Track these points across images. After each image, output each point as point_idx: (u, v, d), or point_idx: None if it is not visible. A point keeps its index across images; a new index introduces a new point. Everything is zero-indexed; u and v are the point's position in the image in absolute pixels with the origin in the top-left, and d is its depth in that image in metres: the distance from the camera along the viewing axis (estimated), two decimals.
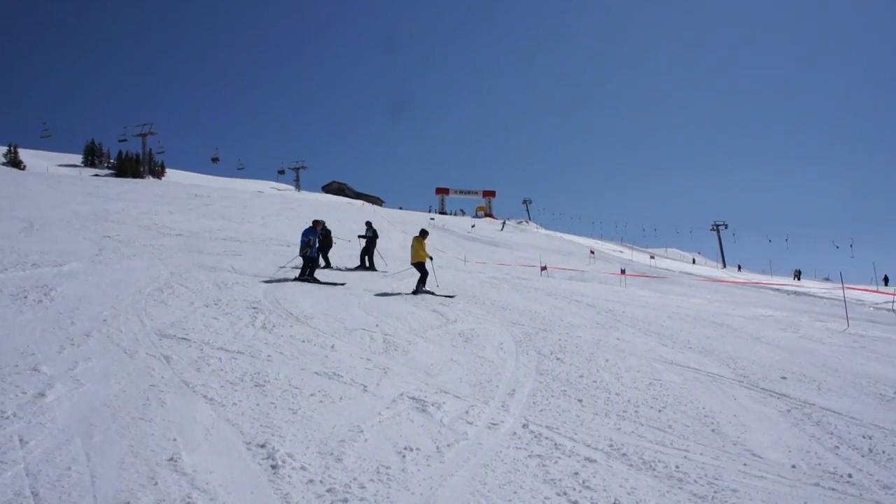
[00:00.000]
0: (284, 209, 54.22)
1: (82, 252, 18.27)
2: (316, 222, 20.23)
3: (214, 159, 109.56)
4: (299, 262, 19.27)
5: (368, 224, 25.61)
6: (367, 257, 24.27)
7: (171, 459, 5.41)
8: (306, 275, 18.01)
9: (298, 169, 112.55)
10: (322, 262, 22.02)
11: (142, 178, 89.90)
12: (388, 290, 17.60)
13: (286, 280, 17.16)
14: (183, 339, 9.65)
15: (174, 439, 5.87)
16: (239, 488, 5.03)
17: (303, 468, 5.51)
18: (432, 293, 17.92)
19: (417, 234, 19.26)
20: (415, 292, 17.72)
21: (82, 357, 8.38)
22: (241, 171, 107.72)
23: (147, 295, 12.79)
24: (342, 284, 18.11)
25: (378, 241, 25.47)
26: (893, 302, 29.87)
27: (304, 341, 10.35)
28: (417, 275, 18.68)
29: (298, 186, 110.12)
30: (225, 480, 5.13)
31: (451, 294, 18.17)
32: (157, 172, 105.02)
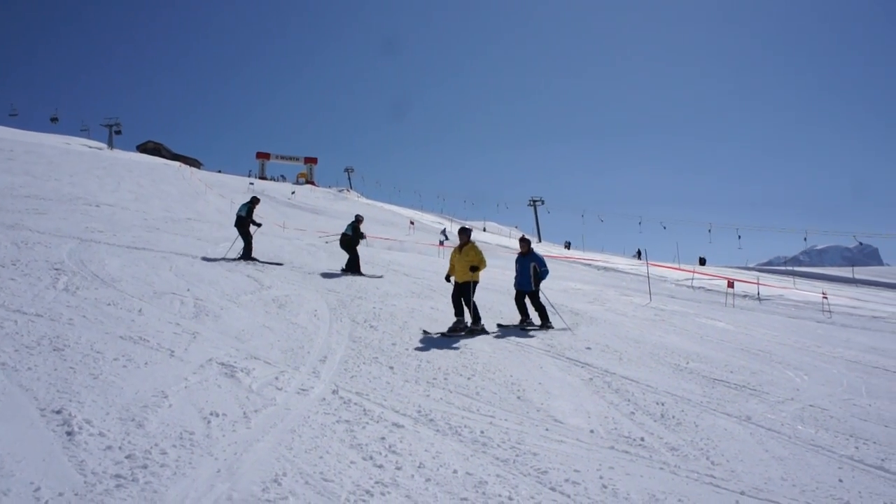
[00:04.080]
0: (95, 167, 51.55)
1: None
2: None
3: (53, 119, 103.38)
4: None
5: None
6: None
7: None
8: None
9: (112, 126, 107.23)
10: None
11: None
12: (205, 255, 17.08)
13: (95, 242, 16.31)
14: None
15: None
16: (30, 456, 4.77)
17: (101, 434, 5.29)
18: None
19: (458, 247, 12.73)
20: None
21: None
22: (13, 117, 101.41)
23: None
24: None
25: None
26: (692, 279, 31.84)
27: (109, 304, 9.92)
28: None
29: (111, 144, 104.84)
30: (14, 448, 4.85)
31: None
32: None
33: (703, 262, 55.51)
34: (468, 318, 12.05)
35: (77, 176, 41.00)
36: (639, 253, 65.35)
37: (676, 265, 42.37)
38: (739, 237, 58.57)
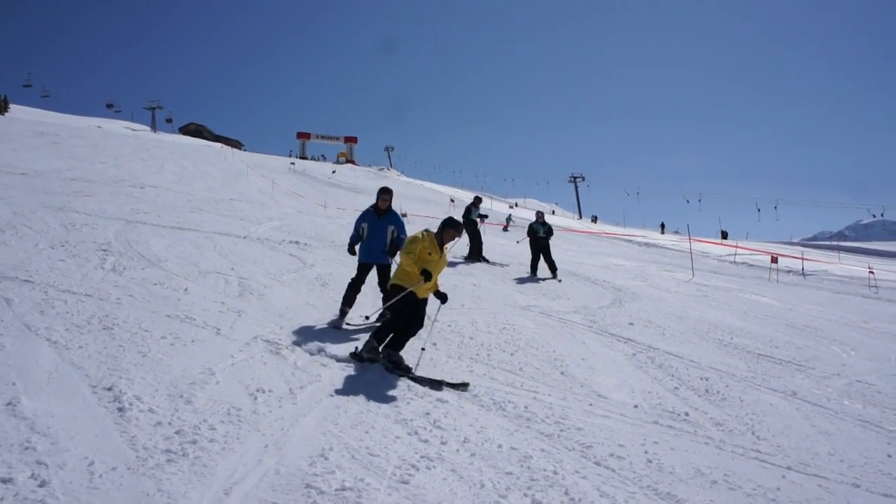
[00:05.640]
0: (139, 150, 52.23)
1: None
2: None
3: (109, 105, 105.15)
4: None
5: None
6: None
7: (10, 404, 5.15)
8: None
9: (154, 109, 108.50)
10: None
11: None
12: (244, 234, 17.20)
13: (140, 223, 16.49)
14: (26, 281, 9.17)
15: (13, 384, 5.59)
16: (83, 431, 4.86)
17: (151, 411, 5.38)
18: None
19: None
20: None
21: None
22: (46, 98, 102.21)
23: None
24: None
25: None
26: (735, 255, 31.50)
27: (155, 284, 10.04)
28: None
29: (154, 127, 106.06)
30: (68, 424, 4.94)
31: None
32: None
33: (724, 235, 54.95)
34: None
35: (121, 159, 41.62)
36: (662, 226, 65.62)
37: (719, 240, 41.95)
38: (776, 208, 57.94)
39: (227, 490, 4.29)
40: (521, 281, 15.43)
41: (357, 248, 10.02)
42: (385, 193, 10.02)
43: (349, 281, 9.91)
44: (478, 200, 20.76)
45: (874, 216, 54.94)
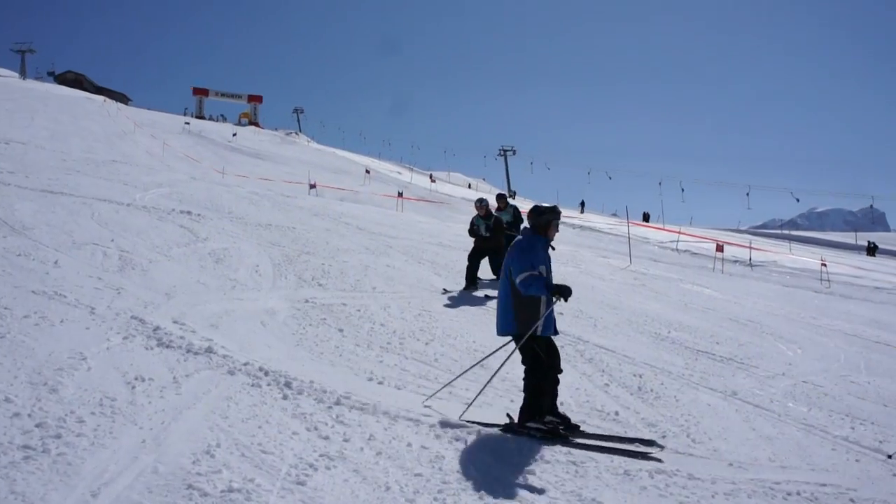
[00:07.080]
0: (4, 100, 50.74)
1: None
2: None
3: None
4: None
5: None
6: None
7: None
8: None
9: (24, 52, 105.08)
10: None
11: None
12: (128, 202, 16.85)
13: (3, 184, 16.01)
14: None
15: None
16: None
17: (7, 400, 5.24)
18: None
19: None
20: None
21: None
22: None
23: None
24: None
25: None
26: (678, 241, 32.10)
27: (19, 255, 9.79)
28: None
29: (24, 74, 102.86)
30: None
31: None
32: None
33: (646, 217, 55.73)
34: None
35: None
36: (582, 205, 66.79)
37: (661, 225, 42.68)
38: (683, 190, 58.44)
39: (94, 492, 4.20)
40: (439, 263, 15.44)
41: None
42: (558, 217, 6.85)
43: (535, 375, 6.54)
44: (501, 199, 15.89)
45: (797, 200, 55.93)
